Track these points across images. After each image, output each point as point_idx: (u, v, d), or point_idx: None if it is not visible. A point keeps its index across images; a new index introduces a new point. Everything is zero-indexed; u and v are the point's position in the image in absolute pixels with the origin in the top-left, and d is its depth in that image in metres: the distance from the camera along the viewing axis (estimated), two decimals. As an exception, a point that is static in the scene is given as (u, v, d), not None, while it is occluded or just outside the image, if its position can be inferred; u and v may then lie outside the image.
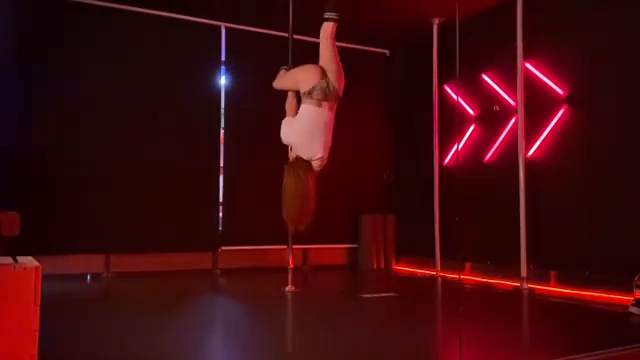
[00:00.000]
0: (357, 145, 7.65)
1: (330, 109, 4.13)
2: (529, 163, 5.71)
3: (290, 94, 4.26)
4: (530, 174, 5.69)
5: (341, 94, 4.11)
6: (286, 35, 5.32)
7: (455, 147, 6.84)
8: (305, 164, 4.08)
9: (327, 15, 4.23)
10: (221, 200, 6.81)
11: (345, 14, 6.68)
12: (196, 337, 3.42)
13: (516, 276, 5.66)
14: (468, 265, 6.41)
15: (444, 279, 6.48)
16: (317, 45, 7.13)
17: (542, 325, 4.11)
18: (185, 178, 6.56)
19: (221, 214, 6.79)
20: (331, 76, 4.12)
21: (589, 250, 5.13)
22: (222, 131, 6.90)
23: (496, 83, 6.28)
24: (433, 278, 6.63)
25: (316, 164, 4.10)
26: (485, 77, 6.40)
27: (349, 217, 7.48)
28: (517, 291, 5.52)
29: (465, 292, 5.44)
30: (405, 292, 5.49)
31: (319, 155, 4.09)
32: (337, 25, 4.20)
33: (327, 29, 4.15)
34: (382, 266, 7.45)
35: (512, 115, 6.00)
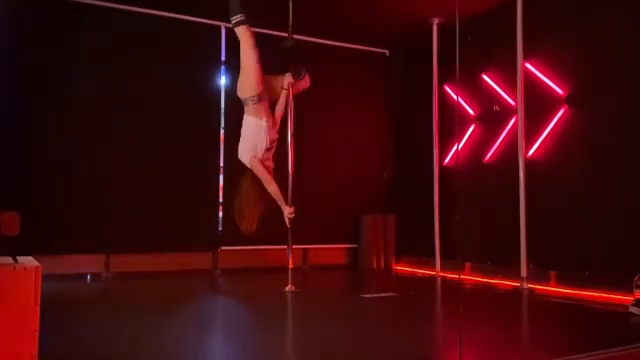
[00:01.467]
0: (357, 145, 7.66)
1: (246, 113, 4.82)
2: (529, 163, 5.71)
3: None
4: (530, 174, 5.69)
5: (247, 93, 4.70)
6: (286, 35, 5.32)
7: (455, 147, 6.84)
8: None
9: (232, 19, 4.58)
10: (221, 200, 6.82)
11: (345, 14, 6.76)
12: (196, 337, 3.42)
13: (516, 276, 5.66)
14: (468, 265, 6.41)
15: (444, 279, 6.48)
16: (318, 45, 7.32)
17: (542, 325, 4.11)
18: (185, 178, 6.56)
19: (221, 214, 6.79)
20: (239, 83, 4.50)
21: (589, 250, 5.14)
22: (222, 131, 6.90)
23: (496, 83, 6.28)
24: (433, 278, 6.63)
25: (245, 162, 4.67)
26: (485, 77, 6.40)
27: (349, 217, 7.47)
28: (517, 291, 5.52)
29: (465, 292, 5.44)
30: (405, 292, 5.49)
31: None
32: (247, 28, 4.36)
33: (238, 34, 4.57)
34: (382, 266, 7.45)
35: (512, 115, 6.00)
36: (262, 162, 4.66)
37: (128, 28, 6.42)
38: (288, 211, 4.90)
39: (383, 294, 5.28)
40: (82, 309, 4.41)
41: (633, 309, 4.18)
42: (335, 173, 7.39)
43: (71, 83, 6.11)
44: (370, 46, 7.88)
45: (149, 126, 6.44)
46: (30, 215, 3.43)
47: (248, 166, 4.66)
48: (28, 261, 2.53)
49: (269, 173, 4.68)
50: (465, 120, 6.66)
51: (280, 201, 4.83)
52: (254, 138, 4.70)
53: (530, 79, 5.78)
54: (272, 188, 4.68)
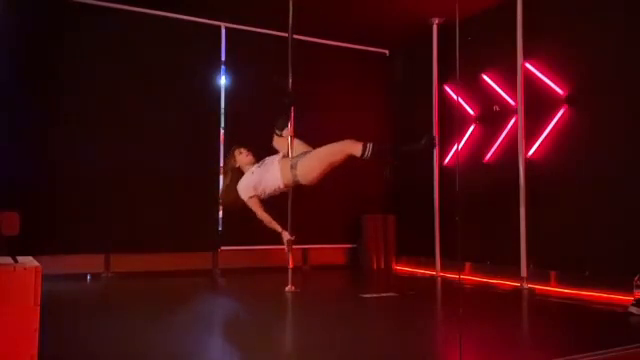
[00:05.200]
0: (357, 145, 7.64)
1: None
2: (529, 163, 5.71)
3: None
4: (530, 174, 5.69)
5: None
6: (286, 35, 5.32)
7: (455, 147, 6.84)
8: None
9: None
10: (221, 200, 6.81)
11: (345, 14, 6.81)
12: (196, 337, 3.42)
13: (516, 276, 5.66)
14: (468, 265, 6.41)
15: (444, 279, 6.48)
16: (317, 45, 7.29)
17: (542, 325, 4.11)
18: (185, 178, 6.56)
19: (221, 214, 6.79)
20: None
21: (589, 250, 5.13)
22: (222, 131, 6.90)
23: (496, 83, 6.28)
24: (433, 278, 6.63)
25: None
26: (485, 77, 6.40)
27: (349, 217, 7.48)
28: (517, 291, 5.52)
29: (465, 292, 5.44)
30: (405, 292, 5.49)
31: None
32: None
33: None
34: (382, 266, 7.45)
35: (512, 115, 6.00)
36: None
37: (128, 28, 6.42)
38: (287, 237, 4.84)
39: (383, 294, 5.28)
40: (82, 309, 4.41)
41: (633, 309, 4.18)
42: (335, 173, 7.35)
43: (71, 83, 6.11)
44: (370, 46, 7.88)
45: (149, 126, 6.44)
46: (30, 215, 3.44)
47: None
48: (28, 261, 2.53)
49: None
50: (465, 120, 6.66)
51: (275, 227, 4.74)
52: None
53: (530, 79, 5.77)
54: (265, 219, 4.67)
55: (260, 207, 4.63)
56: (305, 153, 4.62)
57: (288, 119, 4.94)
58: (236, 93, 7.00)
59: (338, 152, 4.45)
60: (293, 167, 4.51)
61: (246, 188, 4.60)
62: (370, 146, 4.35)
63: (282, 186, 4.57)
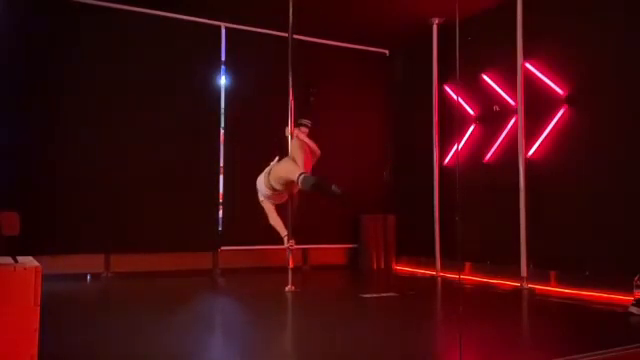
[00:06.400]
0: (357, 145, 7.65)
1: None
2: (529, 163, 5.71)
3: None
4: (530, 174, 5.69)
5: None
6: (286, 35, 5.33)
7: (455, 147, 6.84)
8: None
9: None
10: (221, 200, 6.81)
11: (345, 14, 6.84)
12: (196, 337, 3.42)
13: (516, 276, 5.66)
14: (468, 265, 6.41)
15: (444, 279, 6.48)
16: (317, 45, 7.30)
17: (542, 325, 4.11)
18: (185, 178, 6.56)
19: (221, 214, 6.79)
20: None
21: (589, 250, 5.13)
22: (222, 131, 6.90)
23: (496, 83, 6.28)
24: (433, 278, 6.63)
25: None
26: (485, 77, 6.40)
27: (349, 217, 7.47)
28: (517, 291, 5.52)
29: (465, 292, 5.44)
30: (405, 292, 5.49)
31: None
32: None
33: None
34: (382, 266, 7.45)
35: (512, 115, 6.00)
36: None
37: (128, 28, 6.42)
38: (287, 245, 5.15)
39: (383, 294, 5.28)
40: (82, 309, 4.41)
41: (633, 309, 4.18)
42: (335, 173, 7.34)
43: (71, 83, 6.11)
44: (370, 46, 7.89)
45: (149, 126, 6.44)
46: (30, 215, 3.44)
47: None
48: (28, 261, 2.53)
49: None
50: (465, 120, 6.66)
51: (280, 229, 5.16)
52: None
53: (530, 79, 5.77)
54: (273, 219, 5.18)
55: (270, 208, 5.19)
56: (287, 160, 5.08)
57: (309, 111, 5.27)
58: (236, 93, 6.99)
59: (291, 174, 4.87)
60: (270, 173, 4.98)
61: (259, 193, 5.19)
62: (302, 177, 4.74)
63: (266, 190, 5.05)
